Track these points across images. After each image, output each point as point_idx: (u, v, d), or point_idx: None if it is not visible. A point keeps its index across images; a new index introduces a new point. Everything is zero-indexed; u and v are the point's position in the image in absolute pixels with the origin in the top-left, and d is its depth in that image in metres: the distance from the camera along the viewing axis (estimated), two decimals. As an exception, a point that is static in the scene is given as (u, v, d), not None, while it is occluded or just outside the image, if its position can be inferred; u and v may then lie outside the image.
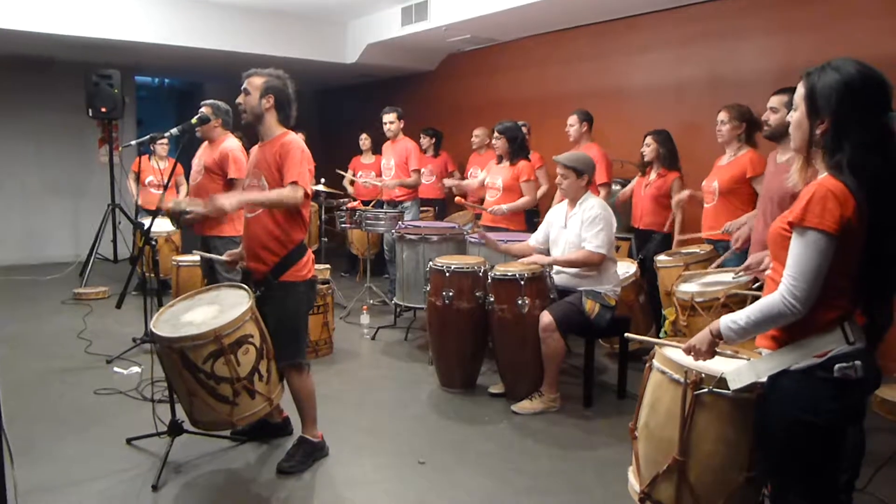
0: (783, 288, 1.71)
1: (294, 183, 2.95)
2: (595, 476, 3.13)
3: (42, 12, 6.31)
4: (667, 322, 3.80)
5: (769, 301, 1.75)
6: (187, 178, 4.31)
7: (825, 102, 1.69)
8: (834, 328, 1.73)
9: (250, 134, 3.24)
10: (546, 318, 3.74)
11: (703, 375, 2.00)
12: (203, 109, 4.13)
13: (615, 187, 5.87)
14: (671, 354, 2.13)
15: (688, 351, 1.99)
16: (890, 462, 2.94)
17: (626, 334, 2.73)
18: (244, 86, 3.08)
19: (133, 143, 4.05)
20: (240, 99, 3.10)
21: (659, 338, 4.32)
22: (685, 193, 4.54)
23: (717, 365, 2.03)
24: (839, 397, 1.72)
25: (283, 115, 3.12)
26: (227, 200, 2.89)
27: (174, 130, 3.23)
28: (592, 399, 3.97)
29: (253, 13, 7.35)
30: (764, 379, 1.85)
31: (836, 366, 1.71)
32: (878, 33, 4.44)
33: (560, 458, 3.31)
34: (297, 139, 3.08)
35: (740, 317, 1.82)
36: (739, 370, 1.91)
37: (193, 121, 3.29)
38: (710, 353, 1.96)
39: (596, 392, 4.04)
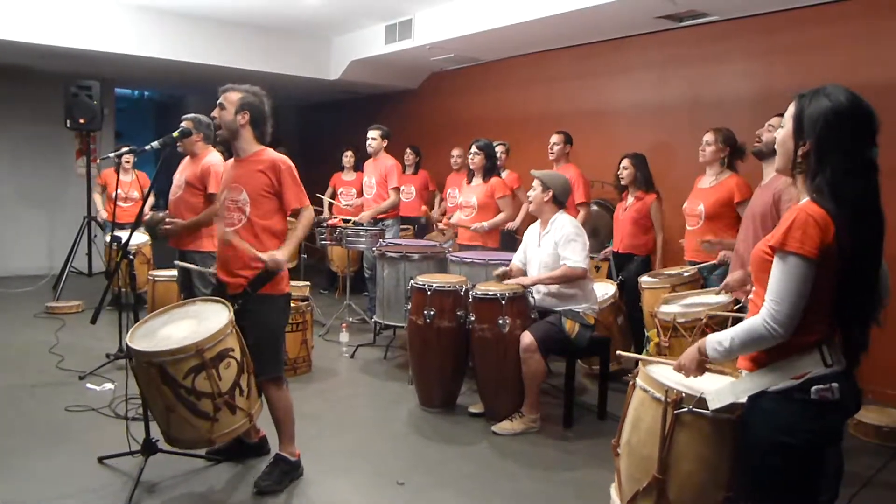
0: (765, 312, 1.73)
1: (298, 208, 3.10)
2: (575, 498, 3.11)
3: (22, 21, 6.24)
4: (651, 343, 3.81)
5: (751, 324, 1.77)
6: (156, 193, 4.25)
7: (811, 125, 1.72)
8: (812, 351, 1.75)
9: (229, 148, 3.23)
10: (527, 338, 3.74)
11: (684, 395, 2.01)
12: (184, 123, 4.10)
13: (594, 207, 5.93)
14: (654, 373, 2.14)
15: (678, 368, 1.99)
16: (869, 484, 2.97)
17: (618, 352, 2.76)
18: (220, 100, 3.09)
19: (111, 155, 3.99)
20: (215, 113, 3.10)
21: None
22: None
23: (701, 383, 2.04)
24: (816, 419, 1.74)
25: (258, 132, 3.13)
26: (281, 255, 2.98)
27: (155, 143, 3.19)
28: (573, 420, 3.97)
29: (237, 27, 7.34)
30: (743, 400, 1.87)
31: (814, 388, 1.72)
32: (854, 61, 4.55)
33: (541, 480, 3.29)
34: (283, 158, 3.11)
35: (725, 338, 1.83)
36: (719, 390, 1.93)
37: (175, 134, 3.26)
38: (700, 370, 1.97)
39: (576, 413, 4.04)
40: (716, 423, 1.99)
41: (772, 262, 1.75)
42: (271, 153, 3.11)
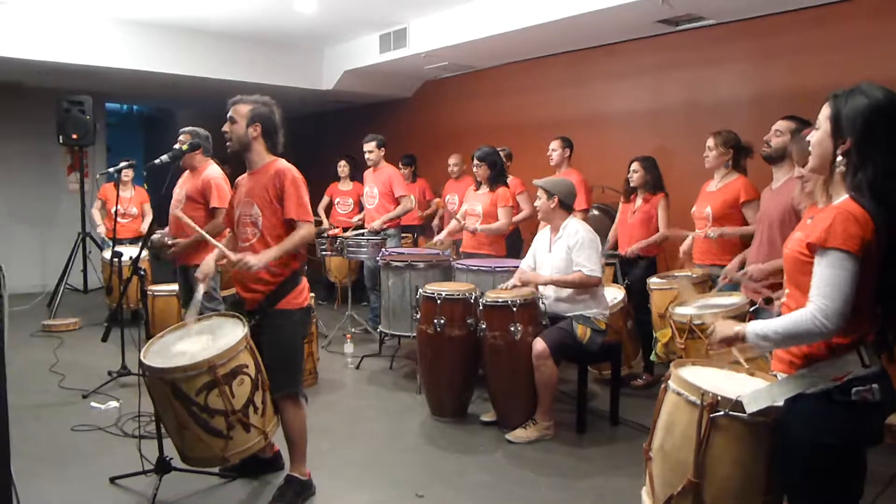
0: (813, 307, 1.69)
1: (295, 220, 2.97)
2: (595, 504, 3.09)
3: (13, 37, 6.17)
4: (658, 344, 3.80)
5: (799, 317, 1.72)
6: (153, 207, 4.19)
7: (850, 124, 1.71)
8: (850, 351, 1.74)
9: (230, 160, 3.18)
10: (540, 345, 3.71)
11: (720, 398, 1.99)
12: (182, 136, 4.05)
13: (594, 212, 5.93)
14: (688, 376, 2.12)
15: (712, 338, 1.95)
16: (892, 482, 2.96)
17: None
18: (230, 114, 3.03)
19: (111, 170, 3.96)
20: (226, 128, 3.04)
21: (650, 360, 4.33)
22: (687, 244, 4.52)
23: (733, 387, 2.03)
24: (857, 420, 1.73)
25: (270, 143, 3.08)
26: (256, 259, 2.82)
27: (164, 157, 3.14)
28: (586, 426, 3.94)
29: (229, 40, 7.30)
30: (780, 403, 1.85)
31: (854, 389, 1.71)
32: (851, 63, 4.57)
33: (558, 487, 3.26)
34: (290, 167, 3.05)
35: (769, 327, 1.78)
36: (756, 393, 1.91)
37: (185, 147, 3.22)
38: (727, 344, 1.91)
39: (588, 419, 4.01)
40: (752, 426, 1.96)
41: (809, 261, 1.73)
42: (282, 163, 3.06)
